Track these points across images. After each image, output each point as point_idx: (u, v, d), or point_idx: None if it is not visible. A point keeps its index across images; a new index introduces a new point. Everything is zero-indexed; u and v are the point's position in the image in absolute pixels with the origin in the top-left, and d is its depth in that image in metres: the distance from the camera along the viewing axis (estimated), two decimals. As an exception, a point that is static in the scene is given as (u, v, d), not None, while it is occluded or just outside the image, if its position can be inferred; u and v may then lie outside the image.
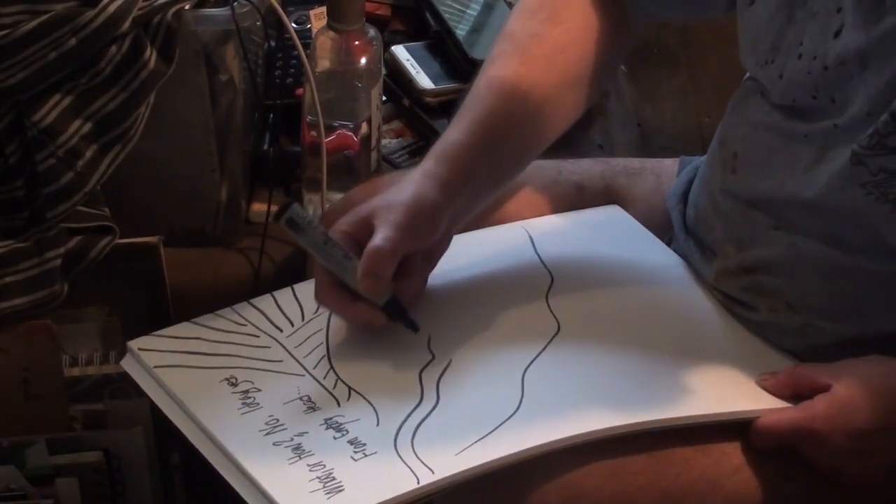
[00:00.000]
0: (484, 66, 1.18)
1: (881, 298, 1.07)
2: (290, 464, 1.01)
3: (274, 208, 1.48)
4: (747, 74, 1.16)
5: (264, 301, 1.16)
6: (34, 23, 1.23)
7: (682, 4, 1.22)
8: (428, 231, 1.10)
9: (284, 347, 1.12)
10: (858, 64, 1.00)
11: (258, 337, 1.13)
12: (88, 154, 1.29)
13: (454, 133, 1.13)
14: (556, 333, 1.13)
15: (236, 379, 1.08)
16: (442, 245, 1.14)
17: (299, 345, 1.12)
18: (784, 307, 1.11)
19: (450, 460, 0.99)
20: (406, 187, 1.10)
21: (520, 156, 1.18)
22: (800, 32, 1.06)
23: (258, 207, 1.51)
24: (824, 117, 1.05)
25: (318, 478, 0.99)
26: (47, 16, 1.24)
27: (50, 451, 1.35)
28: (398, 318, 1.10)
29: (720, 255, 1.16)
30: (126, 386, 1.34)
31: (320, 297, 1.11)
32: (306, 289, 1.17)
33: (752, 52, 1.11)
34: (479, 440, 1.01)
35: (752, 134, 1.13)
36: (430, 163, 1.12)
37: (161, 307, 1.41)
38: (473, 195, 1.13)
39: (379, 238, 1.06)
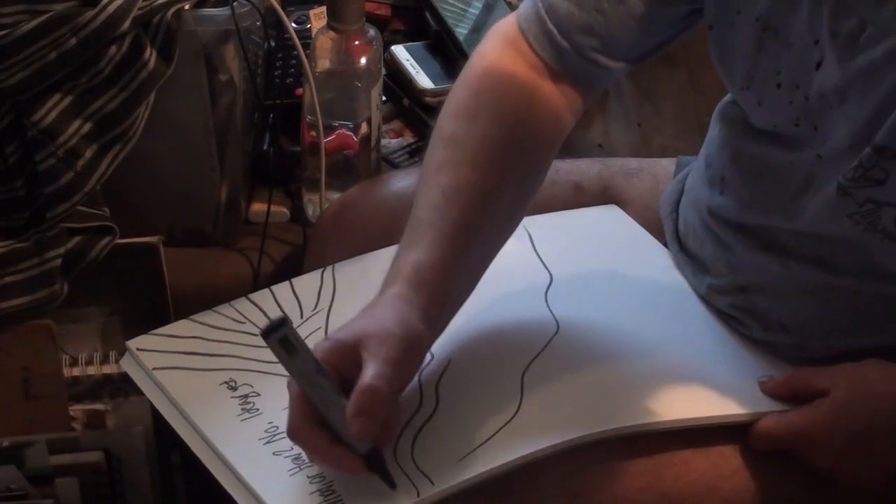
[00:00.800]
0: (427, 173, 1.08)
1: (875, 318, 1.06)
2: (290, 475, 1.00)
3: (274, 208, 1.48)
4: (728, 95, 1.14)
5: (262, 296, 1.16)
6: (34, 23, 1.23)
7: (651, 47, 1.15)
8: (417, 363, 1.02)
9: None
10: (837, 97, 0.99)
11: (256, 336, 1.12)
12: (88, 154, 1.29)
13: (421, 254, 1.03)
14: (555, 333, 1.12)
15: (235, 382, 1.08)
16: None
17: None
18: (777, 327, 1.11)
19: (449, 469, 0.99)
20: (387, 314, 0.99)
21: (489, 258, 1.10)
22: (774, 61, 1.03)
23: (258, 207, 1.51)
24: (806, 146, 1.04)
25: (318, 490, 0.98)
26: (47, 16, 1.24)
27: (50, 451, 1.35)
28: (377, 469, 0.97)
29: (712, 271, 1.15)
30: (126, 386, 1.34)
31: (294, 432, 0.98)
32: (304, 283, 1.17)
33: (727, 75, 1.09)
34: (478, 446, 1.01)
35: (738, 158, 1.11)
36: (405, 288, 1.01)
37: (161, 307, 1.41)
38: (447, 313, 1.05)
39: (374, 375, 0.95)
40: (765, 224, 1.09)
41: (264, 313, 1.14)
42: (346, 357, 0.98)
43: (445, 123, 1.11)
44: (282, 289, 1.17)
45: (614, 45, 1.11)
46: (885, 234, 1.00)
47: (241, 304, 1.15)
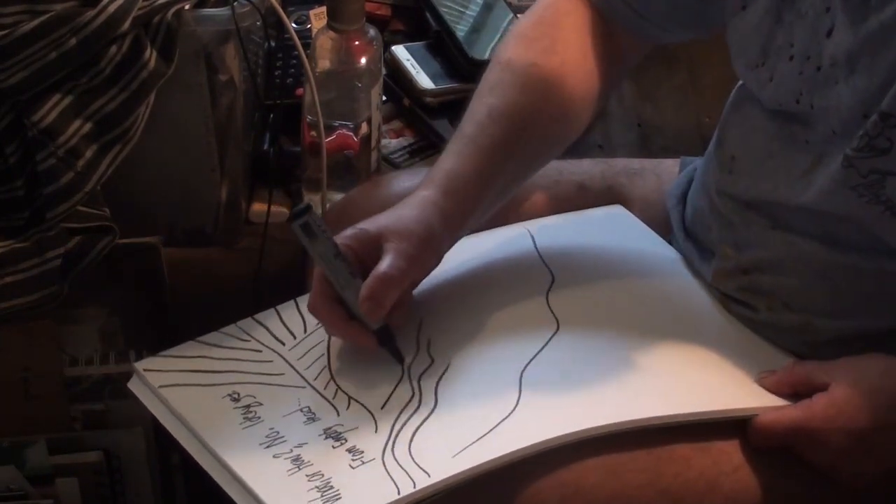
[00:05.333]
0: (480, 92, 1.18)
1: (879, 296, 1.07)
2: (289, 475, 1.01)
3: (274, 208, 1.48)
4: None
5: (268, 316, 1.16)
6: (34, 23, 1.23)
7: (682, 25, 1.22)
8: (432, 262, 1.11)
9: (286, 360, 1.12)
10: (847, 66, 1.00)
11: (261, 352, 1.13)
12: (88, 154, 1.29)
13: (458, 163, 1.13)
14: (556, 332, 1.12)
15: (238, 394, 1.09)
16: (430, 272, 1.14)
17: (301, 357, 1.12)
18: (782, 306, 1.11)
19: (446, 463, 0.99)
20: (412, 214, 1.10)
21: (519, 181, 1.19)
22: (789, 34, 1.06)
23: (258, 207, 1.51)
24: (813, 122, 1.05)
25: (316, 487, 0.99)
26: (47, 16, 1.24)
27: (50, 451, 1.35)
28: (387, 345, 1.09)
29: (718, 255, 1.16)
30: (126, 386, 1.34)
31: (314, 308, 1.10)
32: None
33: (742, 55, 1.11)
34: (476, 441, 1.01)
35: (750, 137, 1.13)
36: (434, 192, 1.11)
37: (161, 307, 1.41)
38: (470, 223, 1.14)
39: (389, 265, 1.06)
40: (772, 200, 1.10)
41: (269, 331, 1.15)
42: (368, 245, 1.08)
43: (505, 47, 1.20)
44: (287, 308, 1.17)
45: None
46: (888, 205, 1.01)
47: (247, 323, 1.16)
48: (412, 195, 1.12)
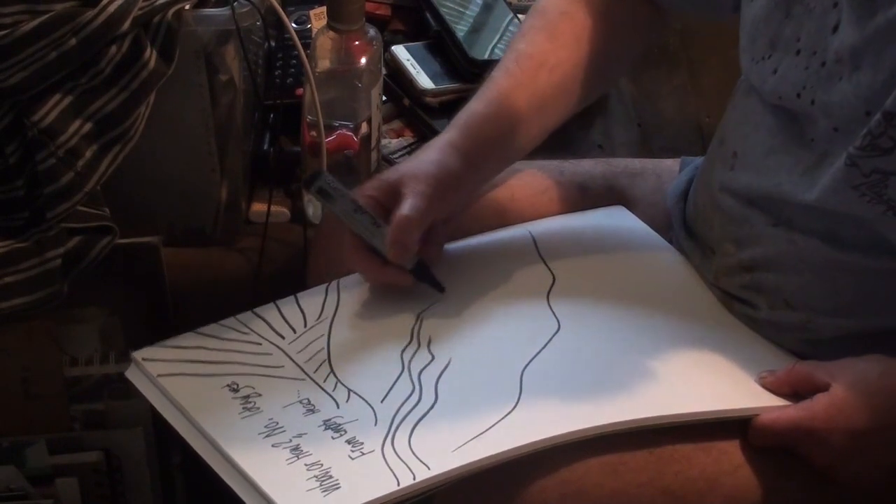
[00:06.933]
0: (513, 39, 1.24)
1: (880, 294, 1.07)
2: (288, 464, 1.01)
3: (274, 208, 1.48)
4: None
5: (267, 309, 1.17)
6: (34, 23, 1.23)
7: (706, 3, 1.24)
8: (451, 200, 1.15)
9: (286, 353, 1.12)
10: (851, 62, 1.00)
11: (260, 344, 1.13)
12: (88, 154, 1.29)
13: (479, 105, 1.18)
14: (556, 332, 1.13)
15: (237, 385, 1.09)
16: (461, 211, 1.19)
17: (300, 350, 1.13)
18: (783, 304, 1.11)
19: (446, 457, 1.00)
20: (430, 156, 1.15)
21: (539, 130, 1.21)
22: (797, 28, 1.06)
23: (258, 207, 1.51)
24: (813, 118, 1.05)
25: (315, 476, 1.00)
26: (47, 16, 1.24)
27: (50, 451, 1.35)
28: (425, 280, 1.15)
29: (719, 252, 1.16)
30: (126, 386, 1.34)
31: (351, 262, 1.15)
32: (309, 296, 1.17)
33: (750, 47, 1.11)
34: (476, 437, 1.01)
35: (752, 133, 1.13)
36: (454, 133, 1.16)
37: (161, 307, 1.41)
38: (493, 165, 1.19)
39: (407, 207, 1.11)
40: (774, 197, 1.10)
41: (268, 324, 1.15)
42: (390, 193, 1.14)
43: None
44: (287, 303, 1.18)
45: None
46: (890, 205, 1.01)
47: (246, 316, 1.16)
48: (436, 139, 1.17)
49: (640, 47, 1.29)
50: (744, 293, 1.14)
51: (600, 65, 1.22)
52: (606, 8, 1.23)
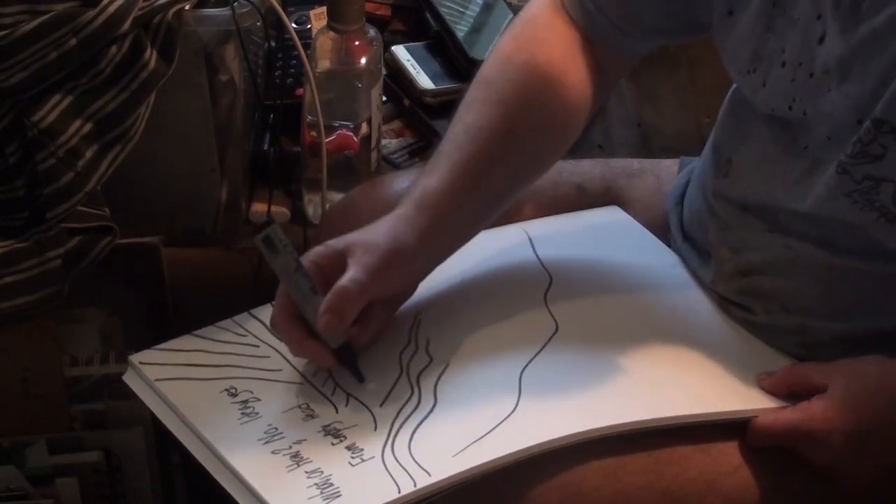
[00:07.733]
0: (459, 111, 1.16)
1: (875, 298, 1.07)
2: (288, 471, 1.00)
3: (274, 208, 1.49)
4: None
5: (264, 311, 1.16)
6: (34, 23, 1.24)
7: (667, 35, 1.21)
8: (398, 278, 1.09)
9: (284, 356, 1.11)
10: (838, 73, 1.00)
11: (258, 347, 1.13)
12: (88, 154, 1.29)
13: (432, 180, 1.11)
14: (554, 334, 1.12)
15: (236, 389, 1.08)
16: (406, 294, 1.12)
17: None
18: (779, 309, 1.11)
19: (446, 462, 0.99)
20: (381, 229, 1.08)
21: (498, 200, 1.16)
22: (781, 40, 1.05)
23: (258, 207, 1.51)
24: (807, 128, 1.05)
25: (315, 484, 0.99)
26: (47, 16, 1.24)
27: (50, 451, 1.35)
28: (347, 364, 1.07)
29: (716, 257, 1.16)
30: (126, 386, 1.34)
31: (276, 324, 1.08)
32: None
33: (734, 61, 1.10)
34: (475, 441, 1.01)
35: (745, 141, 1.12)
36: (408, 208, 1.10)
37: (161, 307, 1.41)
38: (448, 242, 1.12)
39: (348, 278, 1.04)
40: (768, 204, 1.10)
41: (266, 327, 1.14)
42: (335, 262, 1.07)
43: (485, 66, 1.18)
44: None
45: (635, 14, 1.16)
46: (882, 212, 1.00)
47: (244, 318, 1.16)
48: (388, 214, 1.10)
49: (599, 100, 1.22)
50: (740, 297, 1.14)
51: (555, 128, 1.17)
52: (554, 74, 1.15)
